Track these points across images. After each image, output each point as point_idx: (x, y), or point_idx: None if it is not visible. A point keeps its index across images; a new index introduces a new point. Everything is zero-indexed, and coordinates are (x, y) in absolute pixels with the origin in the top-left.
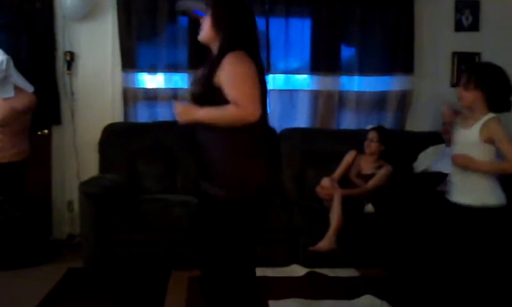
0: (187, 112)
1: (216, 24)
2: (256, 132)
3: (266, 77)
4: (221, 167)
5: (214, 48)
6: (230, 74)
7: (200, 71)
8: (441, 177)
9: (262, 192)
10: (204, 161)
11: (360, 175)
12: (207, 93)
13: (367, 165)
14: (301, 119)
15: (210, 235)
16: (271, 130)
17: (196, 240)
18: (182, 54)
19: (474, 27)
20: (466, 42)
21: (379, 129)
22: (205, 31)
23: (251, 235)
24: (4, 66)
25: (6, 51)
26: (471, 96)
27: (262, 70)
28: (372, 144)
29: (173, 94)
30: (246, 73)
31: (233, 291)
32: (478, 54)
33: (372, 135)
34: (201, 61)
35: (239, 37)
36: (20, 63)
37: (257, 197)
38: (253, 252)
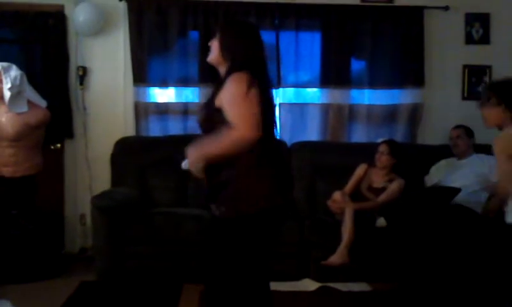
0: (192, 155)
1: (223, 48)
2: (261, 151)
3: (272, 94)
4: (226, 186)
5: (222, 71)
6: (227, 94)
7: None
8: (453, 191)
9: (266, 210)
10: (213, 182)
11: (371, 189)
12: (211, 116)
13: (378, 178)
14: (312, 133)
15: (216, 253)
16: (279, 147)
17: (205, 255)
18: (193, 68)
19: (485, 40)
20: (477, 55)
21: (390, 142)
22: (214, 54)
23: (257, 252)
24: (18, 81)
25: (20, 66)
26: (494, 114)
27: (267, 89)
28: (382, 157)
29: (184, 109)
30: (243, 93)
31: None
32: (489, 66)
33: (382, 148)
34: (212, 76)
35: (245, 60)
36: (34, 78)
37: (261, 215)
38: (263, 268)
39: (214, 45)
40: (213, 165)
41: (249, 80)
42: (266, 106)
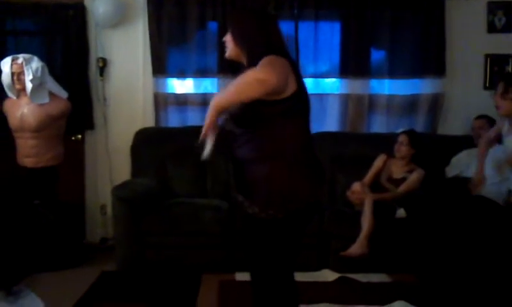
0: (209, 115)
1: (237, 41)
2: (301, 143)
3: (305, 83)
4: (264, 186)
5: (244, 62)
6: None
7: None
8: None
9: (304, 209)
10: (245, 178)
11: (390, 179)
12: (246, 109)
13: (397, 169)
14: (331, 123)
15: (251, 246)
16: (312, 141)
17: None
18: (212, 59)
19: (507, 28)
20: (499, 44)
21: (409, 132)
22: (230, 49)
23: (290, 246)
24: (39, 73)
25: (41, 58)
26: (509, 105)
27: (298, 72)
28: (402, 148)
29: (202, 99)
30: (278, 62)
31: (270, 298)
32: (511, 55)
33: (402, 138)
34: (231, 67)
35: (263, 48)
36: (55, 70)
37: (307, 210)
38: (292, 260)
39: (228, 40)
40: (247, 158)
41: (281, 58)
42: (303, 92)
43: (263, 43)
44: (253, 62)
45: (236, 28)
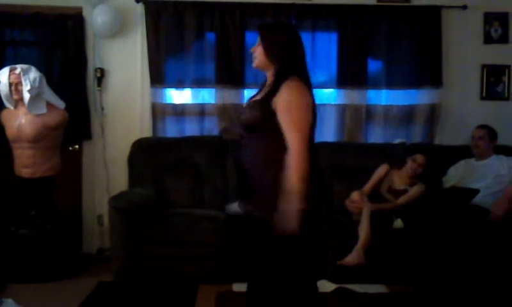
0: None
1: (269, 52)
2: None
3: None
4: (268, 191)
5: (269, 73)
6: (286, 103)
7: (252, 100)
8: (471, 193)
9: (312, 211)
10: (249, 185)
11: (391, 190)
12: (263, 118)
13: (400, 180)
14: (328, 133)
15: (262, 256)
16: (315, 152)
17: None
18: (210, 70)
19: (503, 39)
20: (496, 54)
21: (425, 154)
22: (259, 59)
23: (304, 255)
24: (37, 83)
25: (39, 68)
26: None
27: (312, 90)
28: (419, 169)
29: (200, 110)
30: (301, 103)
31: None
32: (508, 66)
33: (421, 159)
34: (229, 77)
35: (291, 63)
36: (52, 80)
37: (311, 215)
38: (312, 273)
39: (258, 51)
40: (253, 165)
41: (303, 87)
42: (312, 108)
43: (291, 57)
44: (280, 75)
45: (269, 41)
